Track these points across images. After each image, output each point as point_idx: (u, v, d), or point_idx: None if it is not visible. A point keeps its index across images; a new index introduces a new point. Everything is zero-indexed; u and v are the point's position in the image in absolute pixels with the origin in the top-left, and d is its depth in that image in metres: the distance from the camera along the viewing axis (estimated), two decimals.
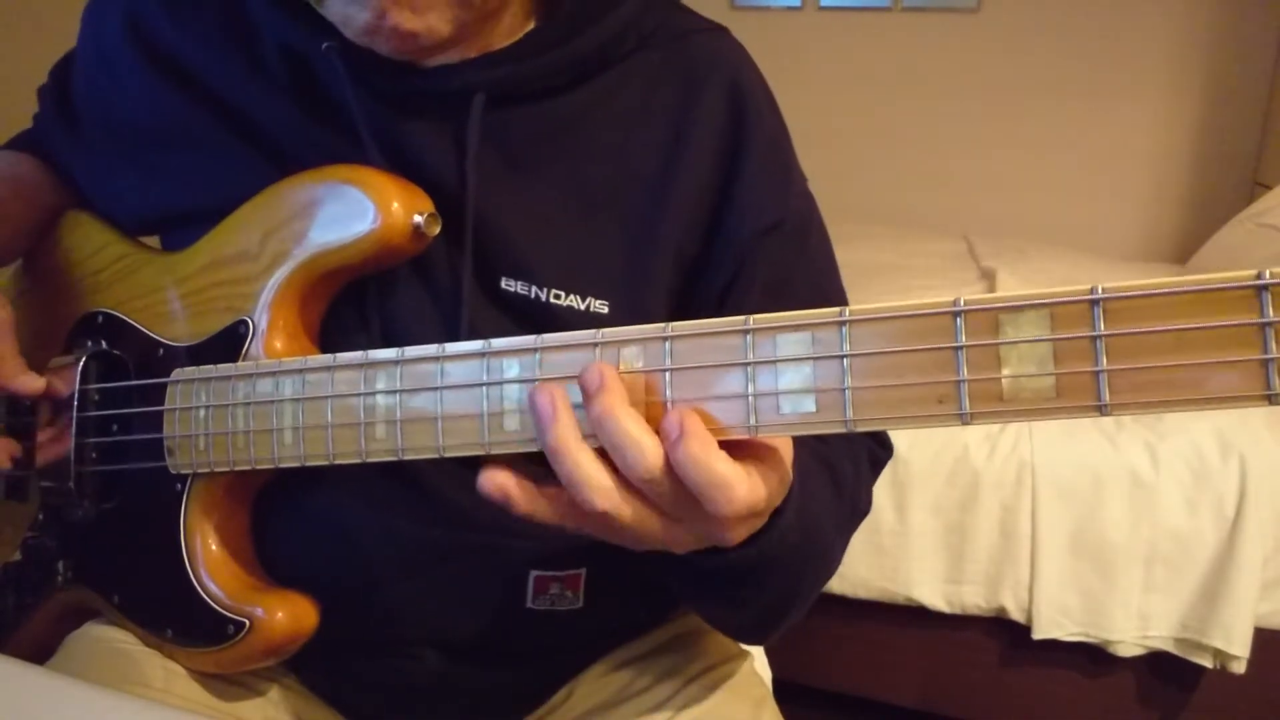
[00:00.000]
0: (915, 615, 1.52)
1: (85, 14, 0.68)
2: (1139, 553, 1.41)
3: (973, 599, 1.48)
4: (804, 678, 1.59)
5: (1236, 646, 1.38)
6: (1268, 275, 0.32)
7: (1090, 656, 1.48)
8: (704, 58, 0.62)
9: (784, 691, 0.77)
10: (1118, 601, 1.42)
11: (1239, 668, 1.39)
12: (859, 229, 2.34)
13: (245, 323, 0.57)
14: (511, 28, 0.60)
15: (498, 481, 0.42)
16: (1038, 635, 1.45)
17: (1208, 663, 1.41)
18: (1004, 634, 1.51)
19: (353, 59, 0.57)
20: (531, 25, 0.61)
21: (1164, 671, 1.47)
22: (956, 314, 0.36)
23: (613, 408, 0.39)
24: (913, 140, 2.80)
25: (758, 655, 0.80)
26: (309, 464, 0.52)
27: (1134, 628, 1.43)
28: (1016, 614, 1.47)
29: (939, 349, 0.37)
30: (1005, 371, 0.36)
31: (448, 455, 0.47)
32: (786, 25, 2.84)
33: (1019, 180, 2.75)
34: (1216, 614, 1.38)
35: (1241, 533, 1.37)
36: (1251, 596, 1.37)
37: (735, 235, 0.60)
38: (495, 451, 0.46)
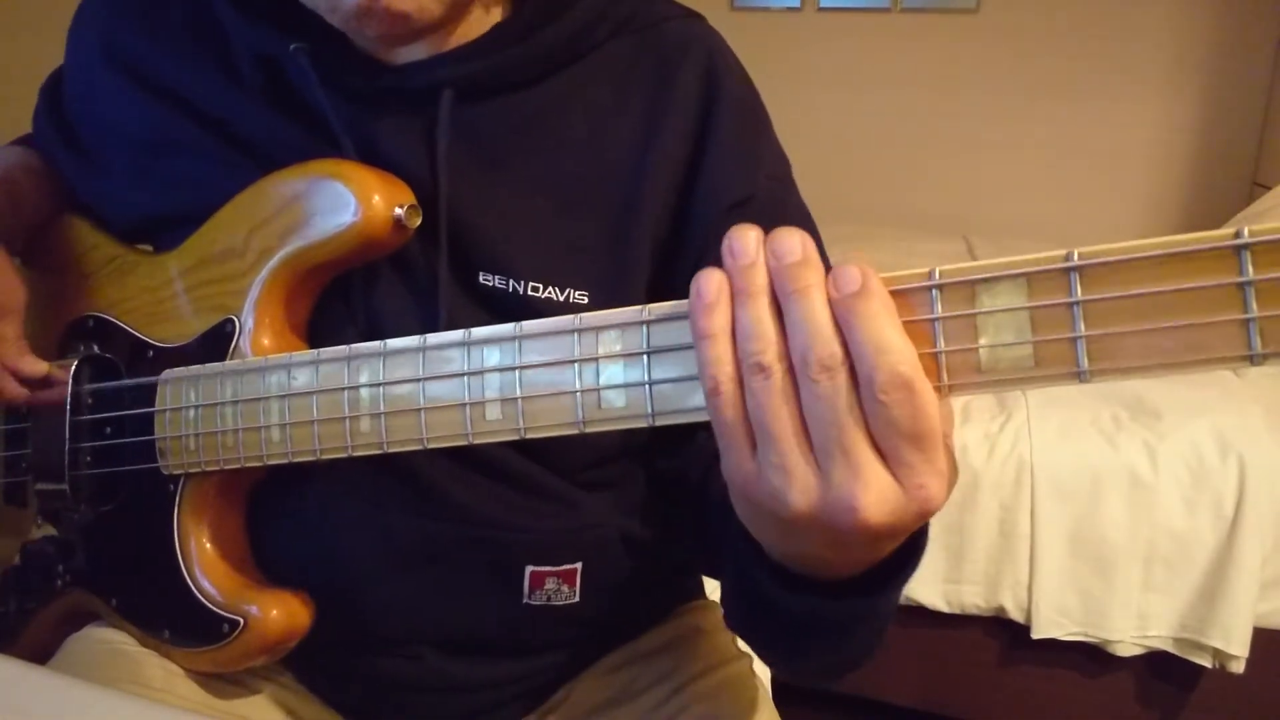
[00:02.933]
0: (915, 615, 1.52)
1: (69, 35, 0.69)
2: (1138, 552, 1.41)
3: (972, 599, 1.49)
4: None
5: (1235, 646, 1.38)
6: (1246, 234, 0.31)
7: (1089, 656, 1.48)
8: (677, 43, 0.62)
9: (783, 691, 0.77)
10: (1117, 601, 1.42)
11: (1238, 667, 1.39)
12: (858, 229, 2.34)
13: (232, 321, 0.58)
14: (481, 19, 0.60)
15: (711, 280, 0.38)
16: (1037, 635, 1.45)
17: (1207, 662, 1.42)
18: (1003, 634, 1.51)
19: (321, 60, 0.57)
20: (499, 16, 0.61)
21: (1163, 671, 1.47)
22: (933, 287, 0.36)
23: (811, 288, 0.36)
24: (912, 140, 2.80)
25: (756, 656, 0.80)
26: (296, 460, 0.53)
27: (1133, 627, 1.43)
28: (1016, 614, 1.47)
29: (916, 321, 0.36)
30: (983, 341, 0.35)
31: (431, 446, 0.47)
32: (786, 25, 2.84)
33: (1018, 180, 2.75)
34: (1215, 614, 1.39)
35: (1240, 532, 1.37)
36: (1250, 596, 1.37)
37: (700, 215, 0.59)
38: (477, 442, 0.46)
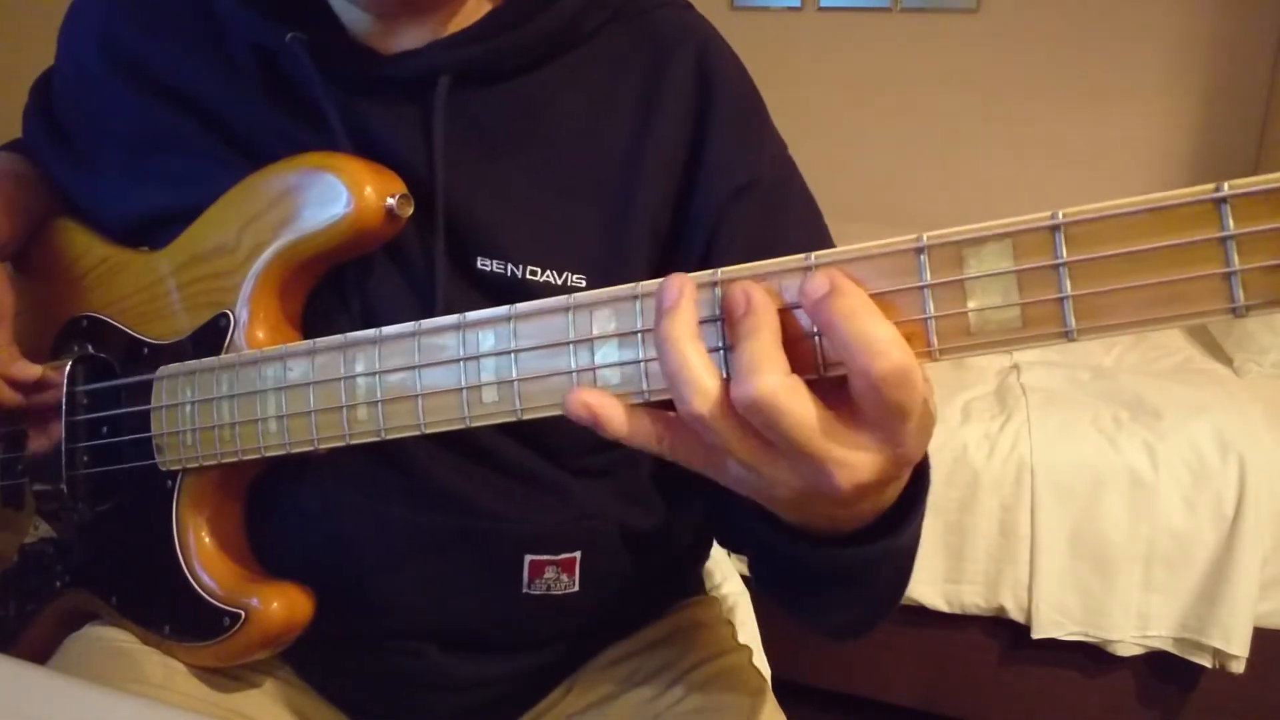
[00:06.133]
0: (915, 615, 1.52)
1: (60, 33, 0.69)
2: (1138, 552, 1.41)
3: (972, 598, 1.49)
4: (804, 677, 1.59)
5: (1235, 646, 1.38)
6: (1226, 188, 0.32)
7: (1089, 656, 1.48)
8: (671, 31, 0.62)
9: (784, 691, 0.77)
10: (1117, 601, 1.42)
11: (1238, 667, 1.40)
12: (858, 229, 2.34)
13: (226, 316, 0.58)
14: (477, 6, 0.60)
15: (584, 400, 0.40)
16: (1037, 635, 1.45)
17: (1207, 662, 1.42)
18: (1003, 633, 1.52)
19: (316, 50, 0.58)
20: (493, 4, 0.61)
21: (1163, 671, 1.47)
22: (920, 250, 0.37)
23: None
24: (913, 140, 2.80)
25: (756, 650, 0.80)
26: (294, 451, 0.53)
27: (1133, 627, 1.43)
28: (1016, 613, 1.47)
29: (906, 289, 0.37)
30: (971, 305, 0.36)
31: (429, 432, 0.48)
32: (786, 25, 2.84)
33: (1019, 180, 2.75)
34: (1215, 614, 1.39)
35: (1240, 532, 1.37)
36: (1250, 596, 1.38)
37: (705, 200, 0.60)
38: (475, 425, 0.46)
